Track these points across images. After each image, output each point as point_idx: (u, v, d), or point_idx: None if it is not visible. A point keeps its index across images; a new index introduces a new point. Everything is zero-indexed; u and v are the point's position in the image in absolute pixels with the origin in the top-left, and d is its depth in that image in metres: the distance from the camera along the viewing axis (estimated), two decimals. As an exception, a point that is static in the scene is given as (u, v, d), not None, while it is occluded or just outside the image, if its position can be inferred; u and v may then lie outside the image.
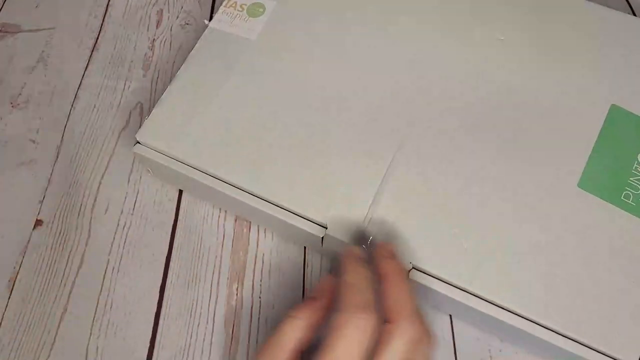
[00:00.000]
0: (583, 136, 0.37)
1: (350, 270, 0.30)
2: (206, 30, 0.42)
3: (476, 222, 0.34)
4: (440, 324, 0.37)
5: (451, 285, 0.33)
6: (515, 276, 0.33)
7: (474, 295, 0.33)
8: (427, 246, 0.34)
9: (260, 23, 0.42)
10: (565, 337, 0.31)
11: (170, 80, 0.39)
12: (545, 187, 0.35)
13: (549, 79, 0.39)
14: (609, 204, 0.34)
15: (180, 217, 0.41)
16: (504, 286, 0.32)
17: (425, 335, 0.28)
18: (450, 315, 0.37)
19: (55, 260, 0.39)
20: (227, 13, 0.42)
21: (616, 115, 0.37)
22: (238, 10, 0.42)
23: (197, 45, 0.41)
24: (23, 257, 0.39)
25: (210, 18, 0.43)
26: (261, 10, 0.42)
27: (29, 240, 0.40)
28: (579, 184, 0.35)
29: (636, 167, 0.36)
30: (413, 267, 0.33)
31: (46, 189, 0.42)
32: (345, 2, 0.42)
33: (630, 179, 0.35)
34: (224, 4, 0.43)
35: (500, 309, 0.32)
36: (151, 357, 0.36)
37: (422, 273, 0.33)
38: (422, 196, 0.35)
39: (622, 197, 0.35)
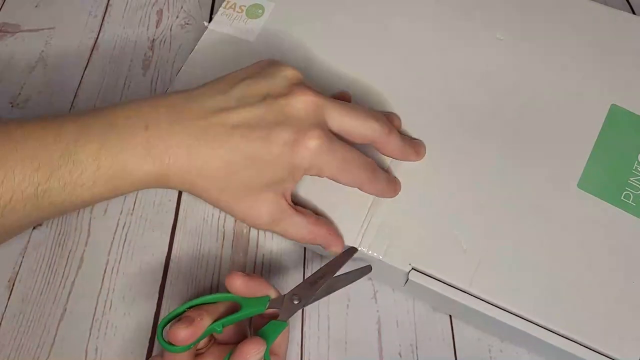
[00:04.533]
0: (583, 136, 0.36)
1: None
2: (205, 32, 0.41)
3: (476, 223, 0.34)
4: (440, 324, 0.37)
5: (451, 286, 0.33)
6: (515, 277, 0.33)
7: (474, 297, 0.33)
8: (427, 247, 0.33)
9: (259, 24, 0.42)
10: (566, 338, 0.31)
11: (170, 82, 0.39)
12: (544, 188, 0.35)
13: (549, 78, 0.39)
14: (609, 204, 0.34)
15: (180, 218, 0.41)
16: (504, 287, 0.32)
17: None
18: (450, 316, 0.37)
19: (55, 261, 0.39)
20: (226, 14, 0.42)
21: (616, 115, 0.37)
22: (237, 12, 0.42)
23: (196, 47, 0.41)
24: (23, 257, 0.39)
25: (210, 18, 0.42)
26: (260, 11, 0.42)
27: (28, 241, 0.40)
28: (578, 184, 0.35)
29: (636, 167, 0.35)
30: (413, 269, 0.33)
31: (46, 189, 0.42)
32: (343, 3, 0.42)
33: (630, 179, 0.35)
34: (223, 5, 0.43)
35: (500, 310, 0.32)
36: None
37: (421, 274, 0.33)
38: (422, 197, 0.35)
39: (622, 198, 0.35)
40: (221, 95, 0.29)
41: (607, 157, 0.36)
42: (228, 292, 0.32)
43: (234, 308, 0.32)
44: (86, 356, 0.36)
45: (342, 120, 0.30)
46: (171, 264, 0.39)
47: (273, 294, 0.32)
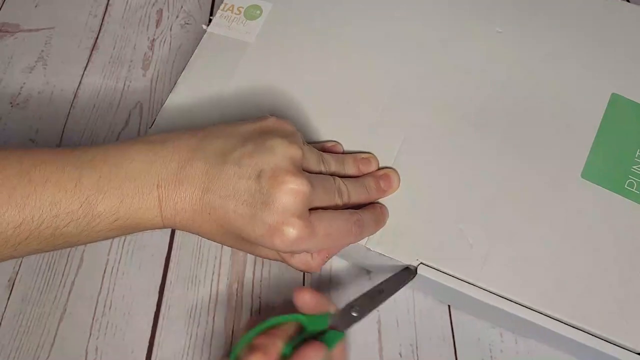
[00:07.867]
0: (585, 126, 0.36)
1: None
2: (204, 36, 0.41)
3: (481, 216, 0.34)
4: (440, 324, 0.37)
5: (459, 280, 0.33)
6: (522, 269, 0.33)
7: (482, 289, 0.32)
8: (433, 243, 0.33)
9: (258, 25, 0.41)
10: (574, 327, 0.31)
11: (170, 82, 0.39)
12: (549, 179, 0.35)
13: (548, 70, 0.38)
14: (613, 193, 0.34)
15: (179, 217, 0.41)
16: (511, 279, 0.32)
17: None
18: (450, 317, 0.37)
19: (55, 260, 0.39)
20: (225, 17, 0.42)
21: (617, 104, 0.37)
22: (235, 14, 0.42)
23: (196, 51, 0.41)
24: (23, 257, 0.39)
25: (210, 19, 0.42)
26: (258, 12, 0.42)
27: (28, 241, 0.40)
28: (582, 174, 0.35)
29: (639, 155, 0.35)
30: (421, 263, 0.33)
31: (46, 189, 0.42)
32: (341, 2, 0.42)
33: (634, 167, 0.35)
34: (221, 7, 0.42)
35: (508, 301, 0.32)
36: (150, 358, 0.36)
37: (430, 269, 0.33)
38: (427, 193, 0.35)
39: (625, 186, 0.34)
40: (222, 157, 0.30)
41: (609, 146, 0.35)
42: (270, 314, 0.32)
43: (298, 327, 0.32)
44: (86, 356, 0.36)
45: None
46: (171, 264, 0.39)
47: (332, 309, 0.32)
